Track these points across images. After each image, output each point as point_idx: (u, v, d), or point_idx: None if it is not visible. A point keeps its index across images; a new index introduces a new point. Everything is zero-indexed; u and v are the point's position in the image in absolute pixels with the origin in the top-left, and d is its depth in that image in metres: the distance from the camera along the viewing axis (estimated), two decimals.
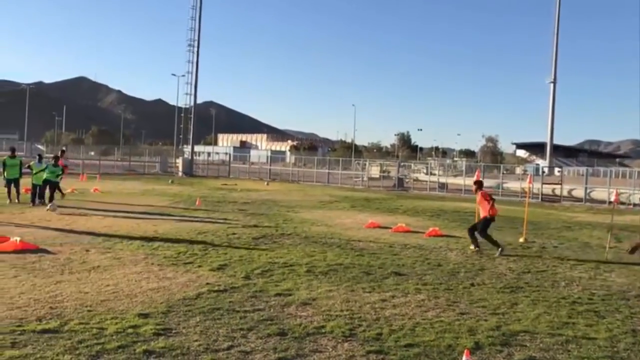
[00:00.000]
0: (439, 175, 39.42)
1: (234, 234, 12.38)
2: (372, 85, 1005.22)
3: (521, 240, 13.15)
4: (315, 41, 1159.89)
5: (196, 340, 5.24)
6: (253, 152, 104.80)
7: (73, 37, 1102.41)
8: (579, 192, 29.86)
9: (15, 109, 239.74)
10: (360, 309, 6.59)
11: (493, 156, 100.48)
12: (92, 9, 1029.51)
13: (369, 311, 6.52)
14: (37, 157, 19.17)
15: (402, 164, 45.34)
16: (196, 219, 14.93)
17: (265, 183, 37.14)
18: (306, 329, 5.73)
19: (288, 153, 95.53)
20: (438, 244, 12.24)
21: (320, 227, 14.24)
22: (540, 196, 29.62)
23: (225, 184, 33.52)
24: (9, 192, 17.19)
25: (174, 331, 5.49)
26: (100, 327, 5.49)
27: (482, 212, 11.45)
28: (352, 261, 9.63)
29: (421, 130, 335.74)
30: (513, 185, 33.54)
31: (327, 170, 42.20)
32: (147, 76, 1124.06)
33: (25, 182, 18.15)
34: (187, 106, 47.46)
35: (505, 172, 36.78)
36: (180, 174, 43.57)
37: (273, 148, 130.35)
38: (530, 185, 17.69)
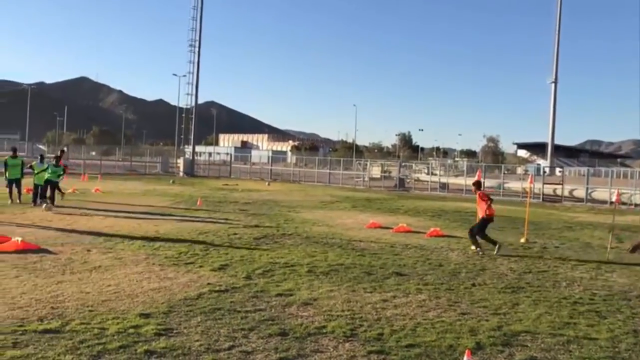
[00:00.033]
0: (440, 176, 39.43)
1: (235, 234, 12.39)
2: (373, 85, 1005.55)
3: (522, 240, 13.14)
4: (316, 41, 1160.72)
5: (197, 341, 5.24)
6: (254, 152, 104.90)
7: (74, 37, 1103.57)
8: (580, 192, 29.84)
9: (16, 109, 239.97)
10: (362, 309, 6.58)
11: (494, 156, 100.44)
12: (93, 9, 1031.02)
13: (370, 311, 6.52)
14: (39, 157, 19.18)
15: (403, 164, 45.36)
16: (197, 219, 14.94)
17: (267, 183, 37.15)
18: (307, 329, 5.73)
19: (289, 153, 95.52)
20: (439, 244, 12.24)
21: (321, 227, 14.24)
22: (541, 196, 29.60)
23: (227, 184, 33.54)
24: (10, 192, 17.20)
25: (175, 331, 5.50)
26: (102, 327, 5.49)
27: (480, 212, 11.54)
28: (353, 261, 9.63)
29: (422, 130, 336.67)
30: (514, 185, 33.53)
31: (328, 171, 42.22)
32: (148, 76, 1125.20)
33: (27, 182, 18.17)
34: (188, 106, 47.55)
35: (506, 172, 36.76)
36: (181, 174, 43.61)
37: (274, 148, 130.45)
38: (532, 186, 17.67)
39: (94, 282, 7.44)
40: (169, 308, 6.29)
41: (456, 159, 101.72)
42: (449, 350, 5.27)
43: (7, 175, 17.38)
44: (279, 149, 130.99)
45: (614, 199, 15.35)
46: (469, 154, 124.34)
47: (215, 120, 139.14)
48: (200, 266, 8.67)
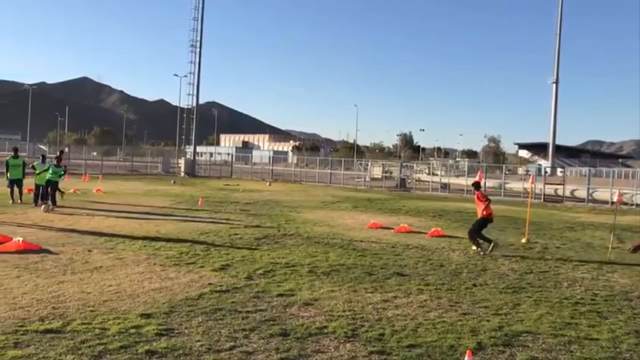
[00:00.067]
0: (441, 176, 39.42)
1: (236, 234, 12.39)
2: (374, 85, 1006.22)
3: (523, 240, 13.13)
4: (317, 41, 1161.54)
5: (198, 341, 5.25)
6: (255, 153, 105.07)
7: (75, 37, 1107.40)
8: (582, 193, 29.79)
9: (17, 109, 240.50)
10: (363, 310, 6.58)
11: (495, 156, 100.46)
12: (94, 9, 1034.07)
13: (371, 311, 6.52)
14: (41, 157, 19.20)
15: (404, 164, 45.37)
16: (198, 220, 14.94)
17: (268, 183, 37.16)
18: (308, 330, 5.73)
19: (290, 153, 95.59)
20: (440, 244, 12.23)
21: (322, 228, 14.24)
22: (542, 196, 29.58)
23: (228, 185, 33.56)
24: (11, 192, 17.23)
25: (176, 331, 5.50)
26: (103, 327, 5.50)
27: (478, 212, 11.58)
28: (354, 262, 9.63)
29: (423, 130, 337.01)
30: (515, 185, 33.49)
31: (329, 171, 42.22)
32: (149, 77, 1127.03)
33: (28, 183, 18.19)
34: (189, 106, 47.52)
35: (507, 172, 36.71)
36: (182, 174, 43.62)
37: (275, 148, 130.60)
38: (533, 186, 17.67)
39: (95, 282, 7.44)
40: (170, 308, 6.29)
41: (457, 159, 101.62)
42: (450, 351, 5.27)
43: (8, 175, 17.40)
44: (280, 149, 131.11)
45: (615, 199, 15.34)
46: (470, 154, 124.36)
47: (216, 120, 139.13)
48: (202, 266, 8.67)
